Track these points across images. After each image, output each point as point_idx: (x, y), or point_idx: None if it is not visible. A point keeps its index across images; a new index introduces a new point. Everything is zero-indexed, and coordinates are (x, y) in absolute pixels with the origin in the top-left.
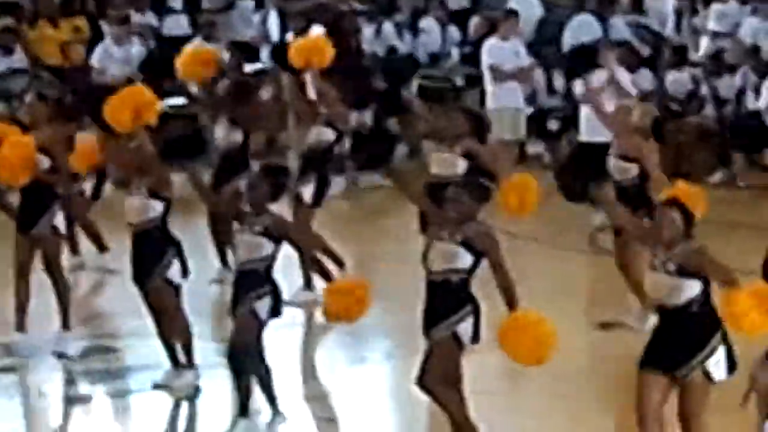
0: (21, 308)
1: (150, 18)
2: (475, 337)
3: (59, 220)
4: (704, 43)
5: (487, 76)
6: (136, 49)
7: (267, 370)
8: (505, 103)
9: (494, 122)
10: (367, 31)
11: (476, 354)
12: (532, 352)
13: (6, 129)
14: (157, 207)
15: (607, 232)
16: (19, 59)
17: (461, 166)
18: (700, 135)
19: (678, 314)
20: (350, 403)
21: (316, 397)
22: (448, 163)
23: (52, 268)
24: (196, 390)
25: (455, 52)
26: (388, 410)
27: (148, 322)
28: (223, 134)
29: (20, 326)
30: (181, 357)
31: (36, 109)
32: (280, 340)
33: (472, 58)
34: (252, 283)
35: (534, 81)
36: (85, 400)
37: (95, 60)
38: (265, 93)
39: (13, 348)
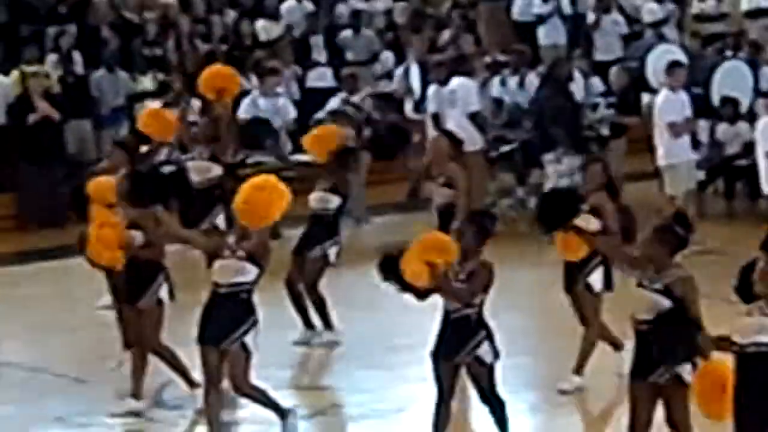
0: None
1: (295, 70)
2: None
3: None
4: None
5: (660, 132)
6: (282, 101)
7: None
8: (680, 158)
9: (669, 177)
10: (511, 82)
11: None
12: (723, 409)
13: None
14: (252, 272)
15: None
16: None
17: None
18: None
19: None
20: None
21: None
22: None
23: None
24: None
25: (601, 103)
26: None
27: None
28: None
29: (136, 394)
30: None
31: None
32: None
33: (617, 108)
34: (467, 333)
35: (698, 131)
36: None
37: (242, 112)
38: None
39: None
